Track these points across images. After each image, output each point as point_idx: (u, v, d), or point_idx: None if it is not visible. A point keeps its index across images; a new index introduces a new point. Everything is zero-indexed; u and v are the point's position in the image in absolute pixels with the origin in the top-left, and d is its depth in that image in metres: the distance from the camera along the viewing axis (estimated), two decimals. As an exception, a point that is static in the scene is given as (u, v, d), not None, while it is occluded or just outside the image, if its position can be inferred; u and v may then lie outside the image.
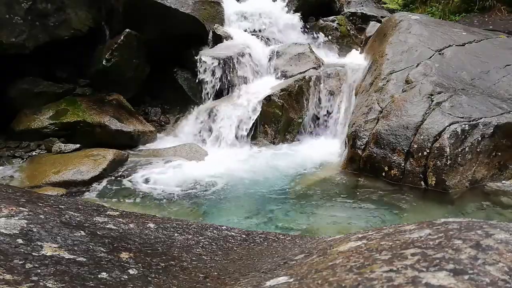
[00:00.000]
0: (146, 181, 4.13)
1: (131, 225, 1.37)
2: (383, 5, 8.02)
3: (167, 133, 5.39)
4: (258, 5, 6.53)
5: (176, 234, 1.37)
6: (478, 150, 3.84)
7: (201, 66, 5.33)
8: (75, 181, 3.97)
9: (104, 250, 1.13)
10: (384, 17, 6.96)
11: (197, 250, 1.28)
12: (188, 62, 5.59)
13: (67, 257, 1.04)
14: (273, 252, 1.29)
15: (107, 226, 1.31)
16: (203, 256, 1.23)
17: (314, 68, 5.54)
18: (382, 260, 0.82)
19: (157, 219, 1.53)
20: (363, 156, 4.18)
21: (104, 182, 4.07)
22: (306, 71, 5.48)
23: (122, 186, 4.04)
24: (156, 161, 4.55)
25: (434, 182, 3.79)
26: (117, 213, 1.51)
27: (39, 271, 0.94)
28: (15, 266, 0.93)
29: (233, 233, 1.48)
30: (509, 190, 3.80)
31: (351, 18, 7.30)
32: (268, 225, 3.31)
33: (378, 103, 4.42)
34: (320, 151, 4.82)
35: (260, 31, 6.30)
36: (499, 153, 3.94)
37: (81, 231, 1.21)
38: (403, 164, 3.95)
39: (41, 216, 1.22)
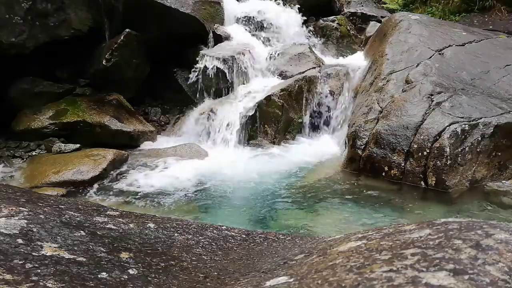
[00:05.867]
0: (146, 181, 4.13)
1: (131, 225, 1.37)
2: (383, 5, 8.01)
3: (167, 133, 5.39)
4: (258, 5, 6.53)
5: (176, 234, 1.37)
6: (478, 150, 3.84)
7: (201, 66, 5.33)
8: (75, 181, 3.97)
9: (104, 250, 1.13)
10: (384, 17, 6.95)
11: (197, 250, 1.28)
12: (188, 62, 5.59)
13: (67, 257, 1.04)
14: (273, 252, 1.29)
15: (107, 226, 1.31)
16: (203, 256, 1.23)
17: (314, 68, 5.54)
18: (382, 260, 0.82)
19: (157, 219, 1.53)
20: (363, 156, 4.18)
21: (104, 182, 4.07)
22: (306, 71, 5.48)
23: (122, 186, 4.04)
24: (156, 161, 4.55)
25: (434, 182, 3.79)
26: (117, 213, 1.51)
27: (39, 271, 0.94)
28: (15, 266, 0.93)
29: (233, 233, 1.48)
30: (509, 190, 3.80)
31: (351, 18, 7.30)
32: (268, 225, 3.31)
33: (378, 103, 4.42)
34: (320, 151, 4.82)
35: (260, 30, 6.30)
36: (499, 153, 3.94)
37: (81, 231, 1.21)
38: (403, 164, 3.95)
39: (41, 216, 1.22)
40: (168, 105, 5.75)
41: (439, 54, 4.83)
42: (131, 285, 0.98)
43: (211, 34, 5.70)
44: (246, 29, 6.19)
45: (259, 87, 5.36)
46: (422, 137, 3.90)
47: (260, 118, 5.05)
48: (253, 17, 6.31)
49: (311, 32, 6.71)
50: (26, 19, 4.64)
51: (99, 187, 4.00)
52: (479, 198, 3.71)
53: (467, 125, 3.86)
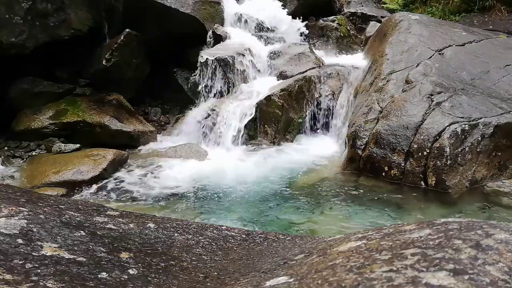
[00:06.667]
0: (146, 181, 4.13)
1: (131, 225, 1.37)
2: (383, 5, 8.01)
3: (167, 133, 5.39)
4: (258, 4, 6.54)
5: (176, 234, 1.37)
6: (478, 150, 3.84)
7: (201, 66, 5.33)
8: (75, 181, 3.97)
9: (104, 250, 1.13)
10: (384, 17, 6.95)
11: (197, 250, 1.28)
12: (188, 62, 5.59)
13: (67, 257, 1.04)
14: (273, 252, 1.29)
15: (107, 226, 1.31)
16: (203, 256, 1.23)
17: (314, 68, 5.54)
18: (382, 260, 0.82)
19: (157, 219, 1.53)
20: (363, 156, 4.18)
21: (104, 182, 4.07)
22: (306, 71, 5.47)
23: (122, 186, 4.04)
24: (156, 161, 4.55)
25: (434, 182, 3.79)
26: (117, 213, 1.51)
27: (39, 271, 0.94)
28: (15, 266, 0.93)
29: (233, 233, 1.48)
30: (509, 190, 3.79)
31: (351, 18, 7.30)
32: (268, 225, 3.31)
33: (378, 103, 4.42)
34: (320, 151, 4.82)
35: (260, 30, 6.30)
36: (499, 153, 3.94)
37: (81, 231, 1.21)
38: (403, 164, 3.95)
39: (41, 216, 1.22)
40: (168, 105, 5.75)
41: (439, 54, 4.83)
42: (131, 285, 0.98)
43: (211, 34, 5.70)
44: (246, 29, 6.19)
45: (259, 87, 5.36)
46: (422, 137, 3.90)
47: (260, 118, 5.05)
48: (253, 17, 6.31)
49: (310, 32, 6.70)
50: (26, 19, 4.64)
51: (99, 187, 4.00)
52: (479, 198, 3.71)
53: (467, 125, 3.86)
